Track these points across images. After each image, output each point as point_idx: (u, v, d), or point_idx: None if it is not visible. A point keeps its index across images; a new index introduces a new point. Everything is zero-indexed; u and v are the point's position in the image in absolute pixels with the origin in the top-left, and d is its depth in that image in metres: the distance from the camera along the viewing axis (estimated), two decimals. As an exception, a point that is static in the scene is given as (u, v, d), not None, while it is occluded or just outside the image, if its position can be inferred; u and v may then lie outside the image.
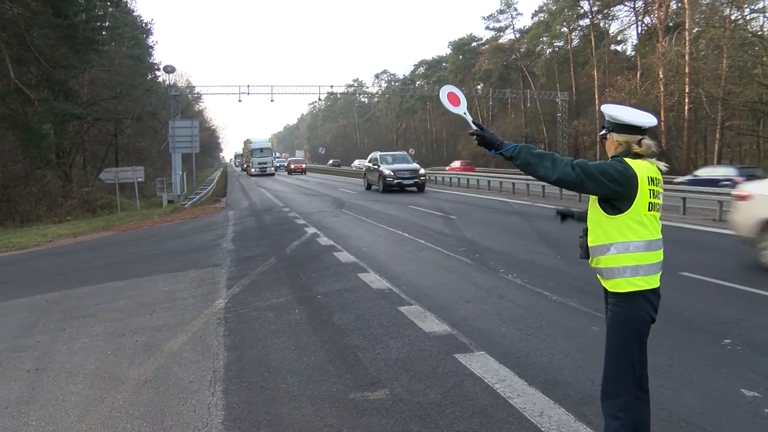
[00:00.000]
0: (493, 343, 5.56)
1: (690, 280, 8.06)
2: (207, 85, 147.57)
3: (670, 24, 43.37)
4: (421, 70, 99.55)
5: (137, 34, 49.72)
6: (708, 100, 37.55)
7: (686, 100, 38.12)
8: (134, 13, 49.27)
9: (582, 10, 60.29)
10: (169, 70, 46.09)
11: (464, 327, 6.07)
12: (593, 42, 57.26)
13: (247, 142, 71.58)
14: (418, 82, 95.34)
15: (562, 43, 66.35)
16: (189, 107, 64.15)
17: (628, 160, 2.98)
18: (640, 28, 53.16)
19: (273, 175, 60.91)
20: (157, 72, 55.45)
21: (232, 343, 5.88)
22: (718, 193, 15.51)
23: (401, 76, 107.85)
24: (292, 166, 68.87)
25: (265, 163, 61.98)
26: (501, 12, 73.24)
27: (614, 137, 3.09)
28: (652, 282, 3.00)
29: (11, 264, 13.31)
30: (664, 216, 3.44)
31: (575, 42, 63.78)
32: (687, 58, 37.67)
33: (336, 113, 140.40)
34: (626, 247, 2.98)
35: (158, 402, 4.50)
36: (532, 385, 4.51)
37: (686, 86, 37.69)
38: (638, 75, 46.19)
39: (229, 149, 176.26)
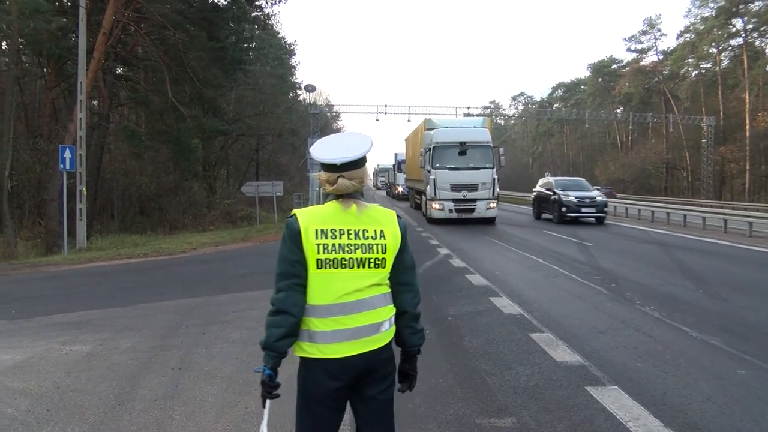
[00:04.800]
0: (627, 378, 5.31)
1: None
2: (345, 104, 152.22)
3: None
4: (559, 92, 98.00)
5: (281, 54, 52.02)
6: None
7: None
8: (279, 35, 51.70)
9: (734, 29, 56.78)
10: (309, 89, 47.99)
11: (597, 359, 5.85)
12: (746, 62, 53.74)
13: (422, 129, 27.54)
14: (555, 105, 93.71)
15: (709, 65, 62.74)
16: (328, 125, 66.28)
17: (301, 211, 2.65)
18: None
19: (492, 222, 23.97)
20: (298, 90, 57.52)
21: (361, 359, 5.93)
22: None
23: (538, 99, 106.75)
24: None
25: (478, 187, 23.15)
26: (643, 33, 70.74)
27: (320, 174, 2.70)
28: (326, 351, 2.58)
29: (160, 268, 14.25)
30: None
31: (725, 63, 60.07)
32: None
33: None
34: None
35: (286, 411, 4.62)
36: (669, 426, 4.25)
37: None
38: (798, 98, 42.83)
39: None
